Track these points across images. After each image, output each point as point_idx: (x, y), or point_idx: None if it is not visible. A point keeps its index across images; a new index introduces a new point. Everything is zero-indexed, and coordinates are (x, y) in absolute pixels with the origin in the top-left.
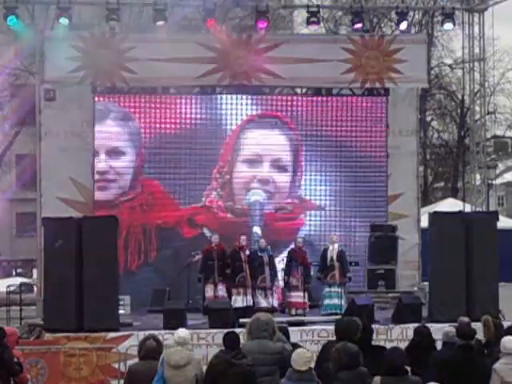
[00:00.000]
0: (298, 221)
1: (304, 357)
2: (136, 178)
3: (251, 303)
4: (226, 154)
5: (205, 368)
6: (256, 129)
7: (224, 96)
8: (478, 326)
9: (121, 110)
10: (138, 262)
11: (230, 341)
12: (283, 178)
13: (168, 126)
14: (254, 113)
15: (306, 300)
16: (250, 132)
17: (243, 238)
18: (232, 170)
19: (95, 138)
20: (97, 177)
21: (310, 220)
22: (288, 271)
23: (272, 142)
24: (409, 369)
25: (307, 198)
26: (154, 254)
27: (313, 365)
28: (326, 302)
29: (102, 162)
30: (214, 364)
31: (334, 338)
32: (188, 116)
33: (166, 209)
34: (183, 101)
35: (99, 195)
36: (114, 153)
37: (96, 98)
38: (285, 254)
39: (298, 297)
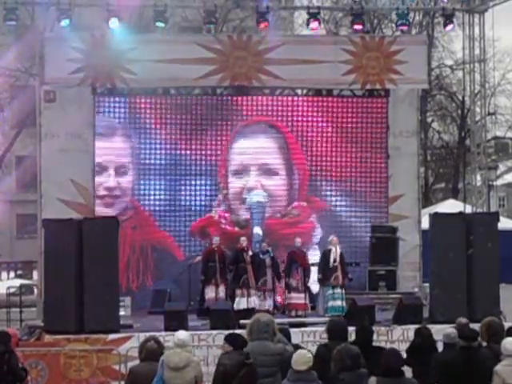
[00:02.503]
0: (307, 224)
1: (304, 357)
2: (132, 197)
3: (255, 305)
4: (221, 167)
5: (204, 369)
6: (242, 138)
7: (225, 97)
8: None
9: (126, 127)
10: (137, 283)
11: (240, 342)
12: (275, 182)
13: (173, 131)
14: (249, 118)
15: (307, 301)
16: (237, 143)
17: (243, 238)
18: (227, 183)
19: (104, 154)
20: (105, 192)
21: (322, 223)
22: (288, 273)
23: (257, 148)
24: (410, 370)
25: (316, 199)
26: (152, 275)
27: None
28: (330, 304)
29: (110, 179)
30: (229, 365)
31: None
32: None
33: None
34: (184, 102)
35: (105, 211)
36: (120, 170)
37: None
38: None
39: (298, 298)
